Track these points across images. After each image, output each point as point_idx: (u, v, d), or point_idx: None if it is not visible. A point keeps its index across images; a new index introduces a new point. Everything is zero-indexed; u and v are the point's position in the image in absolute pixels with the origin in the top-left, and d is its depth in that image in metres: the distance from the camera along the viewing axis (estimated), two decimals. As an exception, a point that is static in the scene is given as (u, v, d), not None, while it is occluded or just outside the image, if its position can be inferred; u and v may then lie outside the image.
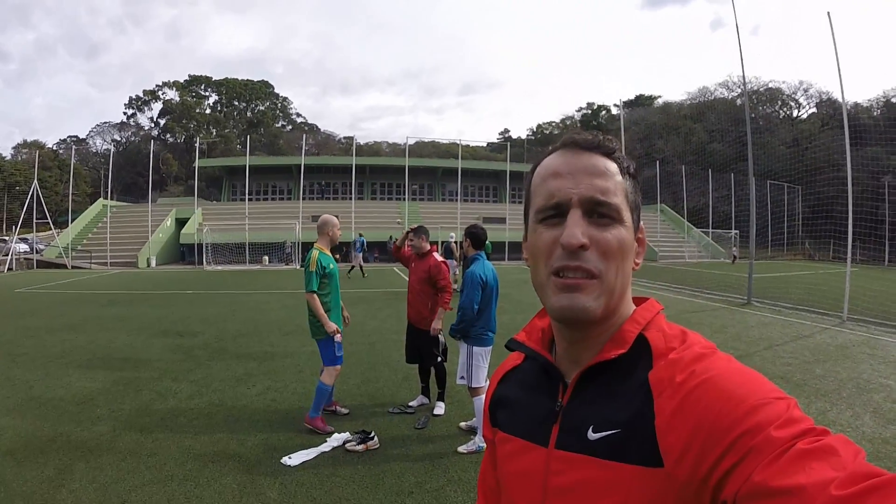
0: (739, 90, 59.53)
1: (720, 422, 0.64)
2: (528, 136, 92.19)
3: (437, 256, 5.77)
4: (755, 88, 59.83)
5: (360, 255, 23.55)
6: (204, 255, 30.66)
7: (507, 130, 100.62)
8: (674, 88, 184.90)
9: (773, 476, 0.57)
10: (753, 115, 55.13)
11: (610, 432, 0.75)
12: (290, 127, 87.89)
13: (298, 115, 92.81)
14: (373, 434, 4.72)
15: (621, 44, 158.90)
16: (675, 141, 58.99)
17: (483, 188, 53.68)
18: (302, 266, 5.41)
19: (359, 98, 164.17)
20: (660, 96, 78.89)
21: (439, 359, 5.66)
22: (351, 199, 39.16)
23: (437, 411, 5.66)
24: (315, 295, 5.02)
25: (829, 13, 12.75)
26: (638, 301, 0.88)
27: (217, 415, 5.49)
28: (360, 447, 4.55)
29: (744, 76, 16.40)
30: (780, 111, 64.03)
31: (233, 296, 16.24)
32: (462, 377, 4.87)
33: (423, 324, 5.65)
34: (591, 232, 0.77)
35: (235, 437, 4.90)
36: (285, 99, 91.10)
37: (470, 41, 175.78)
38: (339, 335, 5.10)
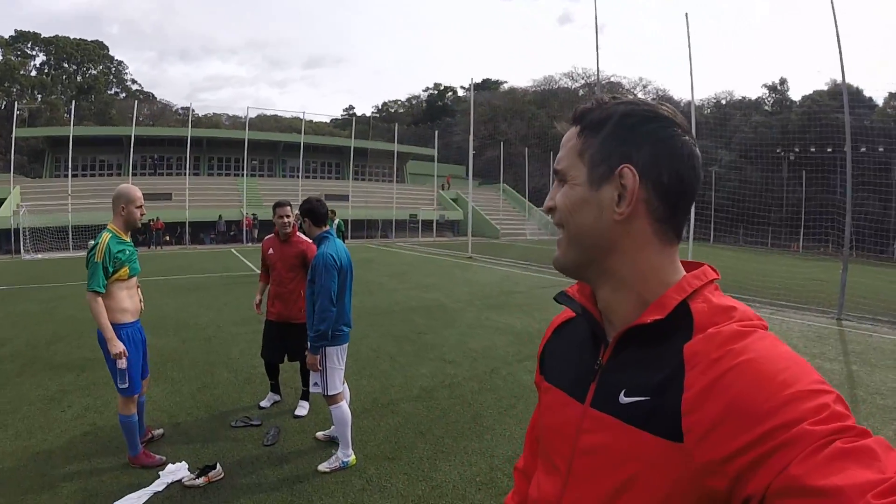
0: (583, 81, 65.17)
1: (754, 409, 0.62)
2: (373, 113, 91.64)
3: (302, 235, 5.07)
4: (597, 81, 64.18)
5: None
6: (21, 242, 25.91)
7: (351, 107, 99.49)
8: (520, 75, 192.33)
9: (810, 473, 0.55)
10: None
11: (639, 398, 0.75)
12: (123, 94, 78.60)
13: (134, 81, 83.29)
14: (215, 462, 3.98)
15: (471, 29, 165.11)
16: (518, 125, 61.53)
17: (326, 164, 51.55)
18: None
19: (199, 66, 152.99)
20: (506, 81, 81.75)
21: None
22: (186, 174, 35.30)
23: (298, 412, 5.09)
24: (98, 297, 3.78)
25: (686, 14, 14.16)
26: (691, 267, 0.86)
27: (23, 453, 4.30)
28: (201, 480, 3.78)
29: (598, 70, 17.23)
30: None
31: (52, 290, 13.60)
32: (315, 383, 4.17)
33: (297, 316, 4.96)
34: (555, 195, 0.87)
35: (46, 483, 3.82)
36: (120, 63, 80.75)
37: (318, 13, 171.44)
38: (123, 361, 3.82)
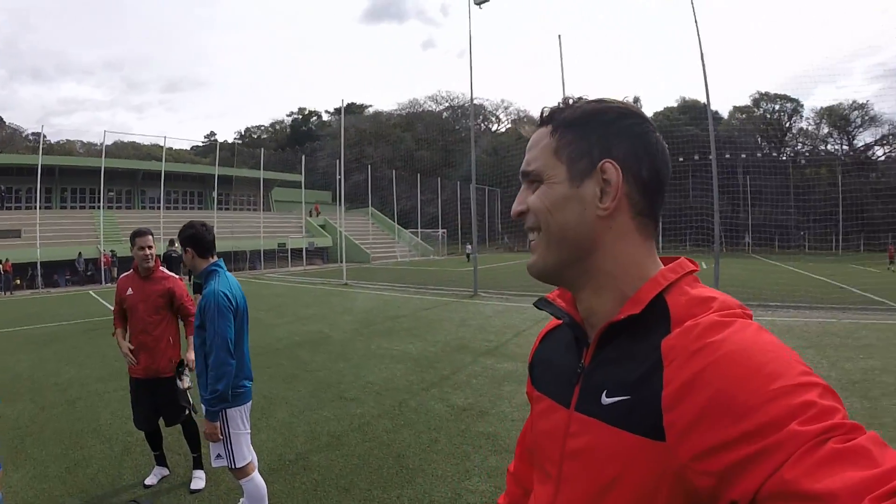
0: (446, 104, 69.92)
1: (738, 404, 0.60)
2: (236, 139, 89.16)
3: (165, 270, 4.38)
4: (461, 104, 67.99)
5: None
6: None
7: (213, 133, 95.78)
8: (385, 99, 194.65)
9: (804, 477, 0.53)
10: (457, 127, 63.45)
11: (620, 398, 0.74)
12: (-29, 120, 70.70)
13: (-19, 104, 75.35)
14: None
15: (335, 52, 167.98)
16: (384, 148, 62.89)
17: (188, 194, 48.40)
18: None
19: (52, 87, 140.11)
20: (371, 105, 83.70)
21: (188, 411, 4.21)
22: (36, 208, 30.56)
23: (194, 485, 4.23)
24: None
25: (559, 35, 16.03)
26: (667, 261, 0.84)
27: None
28: None
29: (472, 96, 17.75)
30: (482, 124, 73.27)
31: None
32: (219, 455, 3.40)
33: (169, 368, 4.22)
34: (527, 198, 0.86)
35: None
36: (-33, 84, 72.91)
37: (176, 34, 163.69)
38: None
